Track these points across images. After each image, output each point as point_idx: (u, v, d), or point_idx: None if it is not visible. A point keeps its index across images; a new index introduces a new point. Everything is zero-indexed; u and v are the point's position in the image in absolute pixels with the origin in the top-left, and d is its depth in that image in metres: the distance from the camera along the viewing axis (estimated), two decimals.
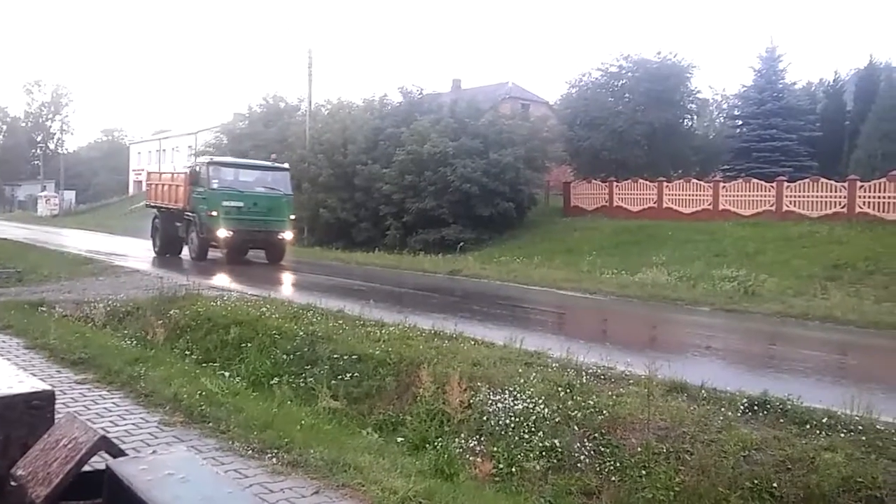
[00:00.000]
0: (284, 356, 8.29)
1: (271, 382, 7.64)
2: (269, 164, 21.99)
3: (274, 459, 5.03)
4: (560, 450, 5.61)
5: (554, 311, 13.38)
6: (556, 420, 5.94)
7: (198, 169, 20.53)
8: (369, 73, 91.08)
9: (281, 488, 4.62)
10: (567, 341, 8.62)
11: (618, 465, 5.30)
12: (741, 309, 12.83)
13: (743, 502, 4.69)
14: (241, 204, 19.21)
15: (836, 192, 21.37)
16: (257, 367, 8.12)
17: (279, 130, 32.91)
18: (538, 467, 5.46)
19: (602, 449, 5.51)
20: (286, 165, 22.03)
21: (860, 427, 5.27)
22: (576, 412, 5.95)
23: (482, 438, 5.96)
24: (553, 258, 20.16)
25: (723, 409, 5.74)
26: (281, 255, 20.46)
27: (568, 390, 6.36)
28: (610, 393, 6.33)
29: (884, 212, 20.06)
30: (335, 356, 7.93)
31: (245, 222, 19.20)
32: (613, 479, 5.21)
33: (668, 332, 11.67)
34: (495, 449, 5.73)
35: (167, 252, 21.42)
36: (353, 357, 7.83)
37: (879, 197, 20.51)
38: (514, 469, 5.49)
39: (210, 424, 5.73)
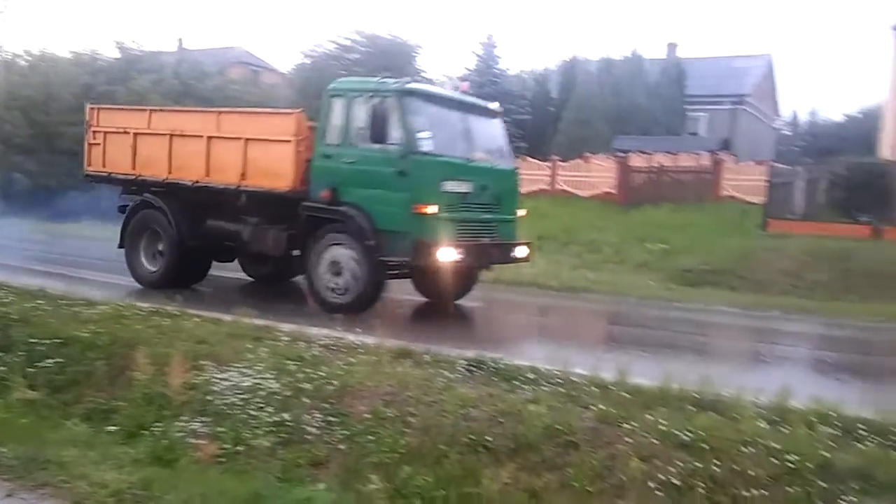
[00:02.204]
0: None
1: None
2: (478, 101, 10.73)
3: None
4: (290, 423, 5.53)
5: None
6: (287, 394, 5.85)
7: (375, 101, 8.99)
8: (81, 27, 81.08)
9: None
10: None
11: (347, 433, 5.38)
12: None
13: (461, 457, 5.01)
14: (468, 188, 9.27)
15: (541, 170, 23.81)
16: None
17: None
18: (267, 444, 5.33)
19: (332, 419, 5.54)
20: (497, 106, 10.75)
21: (559, 380, 5.91)
22: (306, 384, 5.92)
23: (207, 419, 5.67)
24: None
25: (444, 371, 6.10)
26: (470, 285, 10.67)
27: (298, 362, 6.31)
28: (340, 363, 6.39)
29: (579, 189, 22.82)
30: (33, 341, 7.00)
31: (474, 227, 9.40)
32: (342, 447, 5.28)
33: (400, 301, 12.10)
34: (221, 429, 5.49)
35: (177, 278, 10.62)
36: (57, 341, 6.98)
37: (576, 176, 23.33)
38: (241, 448, 5.31)
39: None
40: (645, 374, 5.93)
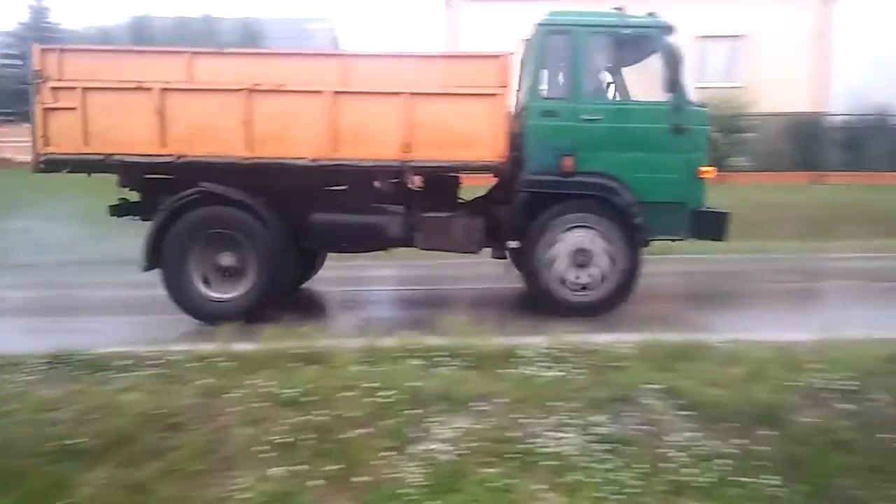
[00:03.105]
0: None
1: None
2: None
3: None
4: None
5: None
6: None
7: (635, 40, 7.31)
8: None
9: None
10: None
11: None
12: None
13: (48, 468, 4.39)
14: None
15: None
16: None
17: None
18: None
19: None
20: None
21: (160, 361, 5.52)
22: None
23: None
24: None
25: (13, 376, 5.25)
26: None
27: None
28: None
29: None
30: None
31: None
32: None
33: None
34: None
35: (266, 303, 7.19)
36: None
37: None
38: None
39: None
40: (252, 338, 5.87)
